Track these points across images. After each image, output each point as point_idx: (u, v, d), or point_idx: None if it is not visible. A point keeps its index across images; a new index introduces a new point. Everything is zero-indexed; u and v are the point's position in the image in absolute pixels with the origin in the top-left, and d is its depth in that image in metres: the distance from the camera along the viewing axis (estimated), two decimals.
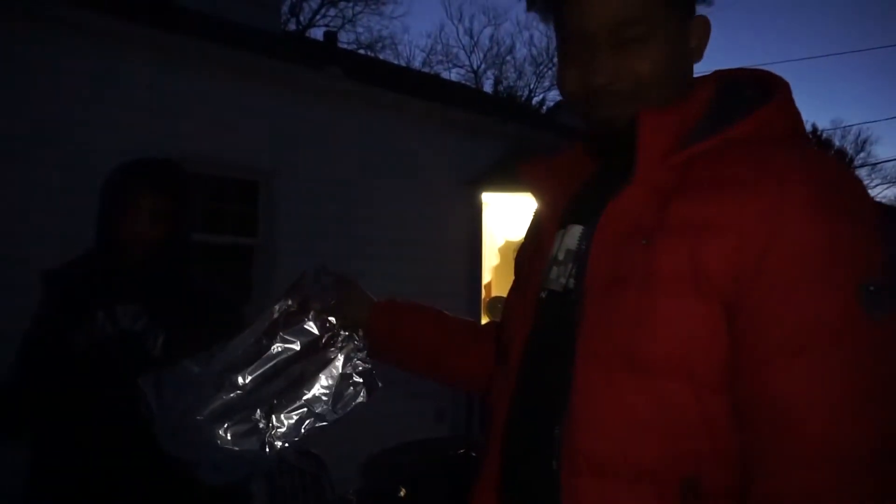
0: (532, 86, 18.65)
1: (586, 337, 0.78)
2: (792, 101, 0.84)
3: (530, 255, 0.97)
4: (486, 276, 5.54)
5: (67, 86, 3.57)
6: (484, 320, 5.30)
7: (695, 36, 0.86)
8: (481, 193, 5.36)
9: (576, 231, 0.87)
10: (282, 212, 4.37)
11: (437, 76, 13.89)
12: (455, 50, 26.87)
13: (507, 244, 5.77)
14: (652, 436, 0.74)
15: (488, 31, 32.95)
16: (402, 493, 2.17)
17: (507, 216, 5.72)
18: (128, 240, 1.52)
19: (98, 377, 1.50)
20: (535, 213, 1.00)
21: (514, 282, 1.05)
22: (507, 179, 5.35)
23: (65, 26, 3.58)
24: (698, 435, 0.74)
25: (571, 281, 0.84)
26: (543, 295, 0.89)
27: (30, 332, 1.59)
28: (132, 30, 3.83)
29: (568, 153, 0.98)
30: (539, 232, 0.95)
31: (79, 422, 1.48)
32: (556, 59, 0.91)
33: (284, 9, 13.13)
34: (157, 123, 3.74)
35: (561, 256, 0.88)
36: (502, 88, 17.69)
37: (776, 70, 0.88)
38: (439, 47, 29.47)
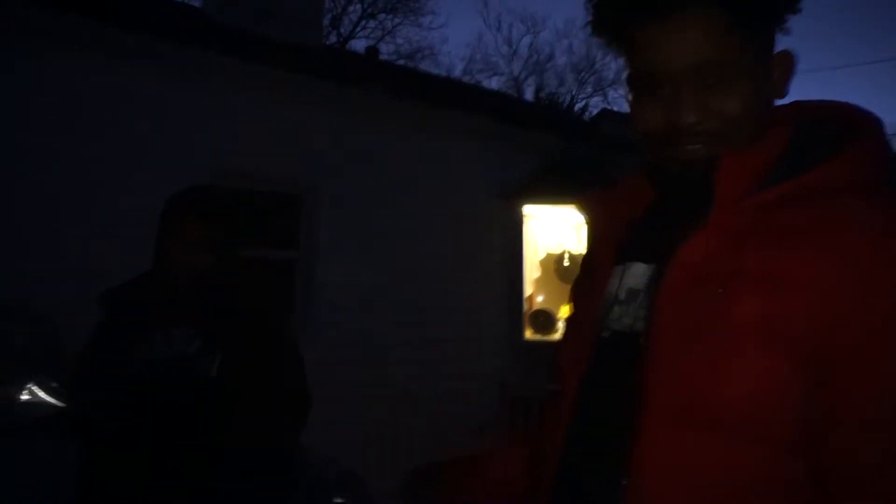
0: (574, 92, 18.61)
1: (654, 386, 0.76)
2: (881, 142, 0.80)
3: (586, 289, 0.93)
4: (528, 289, 5.54)
5: (113, 106, 3.74)
6: (527, 333, 5.34)
7: (777, 71, 0.82)
8: (523, 206, 5.37)
9: (638, 270, 0.85)
10: (322, 226, 4.47)
11: (477, 86, 13.97)
12: (494, 59, 26.95)
13: (549, 256, 5.77)
14: (723, 496, 0.71)
15: (527, 39, 32.99)
16: None
17: (548, 228, 5.73)
18: (177, 266, 1.62)
19: (152, 398, 1.59)
20: (590, 244, 0.98)
21: (571, 315, 1.02)
22: (548, 191, 5.36)
23: (112, 49, 3.76)
24: (771, 498, 0.71)
25: (639, 323, 0.81)
26: (605, 335, 0.85)
27: (88, 350, 1.68)
28: (175, 50, 4.00)
29: (625, 183, 0.95)
30: (595, 266, 0.92)
31: (130, 441, 1.57)
32: (599, 71, 0.89)
33: (325, 22, 13.45)
34: (199, 140, 3.89)
35: (622, 296, 0.85)
36: (544, 95, 17.68)
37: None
38: (479, 56, 29.63)
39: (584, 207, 0.95)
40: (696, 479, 0.73)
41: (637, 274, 0.85)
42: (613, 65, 17.83)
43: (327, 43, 12.48)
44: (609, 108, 16.05)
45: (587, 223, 0.95)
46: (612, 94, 18.57)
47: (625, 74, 0.87)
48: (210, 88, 4.07)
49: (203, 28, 4.82)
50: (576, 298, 1.00)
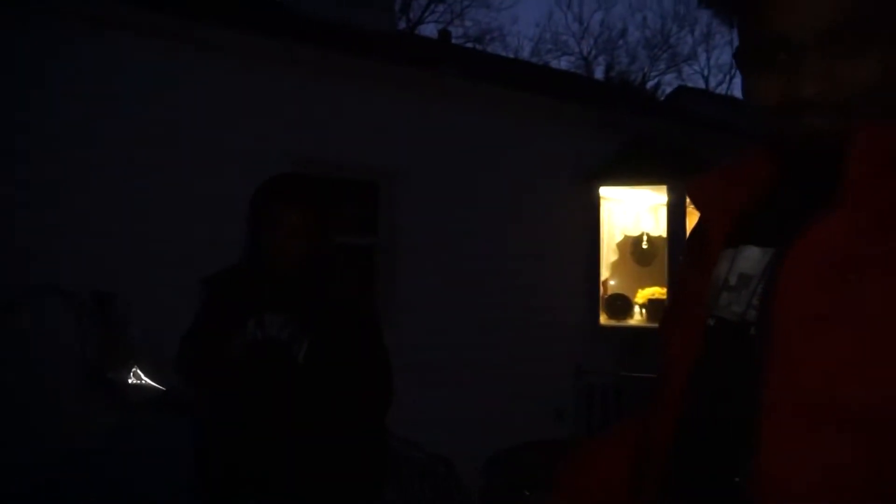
0: (646, 69, 18.09)
1: (778, 380, 0.70)
2: None
3: (692, 273, 0.87)
4: (605, 273, 5.50)
5: (198, 96, 3.94)
6: (602, 319, 5.31)
7: None
8: (599, 188, 5.33)
9: (752, 253, 0.78)
10: (401, 211, 4.58)
11: (547, 66, 13.79)
12: (564, 37, 26.44)
13: (626, 239, 5.69)
14: (856, 498, 0.66)
15: (598, 15, 32.16)
16: (527, 494, 2.24)
17: (625, 210, 5.65)
18: (271, 253, 1.70)
19: (248, 380, 1.70)
20: (698, 226, 0.92)
21: (674, 300, 0.97)
22: (625, 172, 5.28)
23: (192, 42, 3.95)
24: None
25: (752, 312, 0.75)
26: (711, 322, 0.80)
27: (190, 334, 1.81)
28: (256, 41, 4.16)
29: (739, 161, 0.88)
30: (703, 249, 0.86)
31: (231, 419, 1.69)
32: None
33: (396, 7, 13.53)
34: (279, 128, 4.04)
35: (733, 281, 0.79)
36: (614, 74, 17.28)
37: None
38: (548, 35, 29.14)
39: (692, 187, 0.90)
40: (824, 480, 0.67)
41: (751, 258, 0.78)
42: (689, 38, 17.16)
43: (398, 29, 12.57)
44: (686, 84, 15.53)
45: (694, 204, 0.89)
46: (686, 69, 17.95)
47: (735, 46, 0.79)
48: (289, 77, 4.22)
49: (282, 18, 4.98)
50: (679, 283, 0.95)
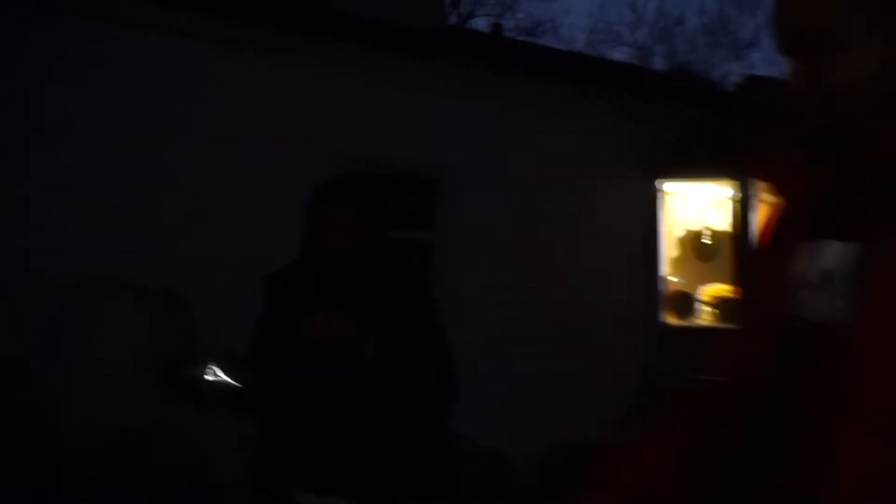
0: (708, 59, 17.52)
1: (870, 390, 0.66)
2: None
3: (766, 269, 0.84)
4: (666, 270, 5.34)
5: (252, 99, 4.00)
6: (665, 317, 5.16)
7: None
8: (659, 182, 5.18)
9: (833, 249, 0.74)
10: (457, 208, 4.56)
11: (602, 58, 13.53)
12: (618, 27, 25.89)
13: (688, 234, 5.52)
14: None
15: (654, 2, 31.30)
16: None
17: (688, 205, 5.48)
18: (331, 250, 1.71)
19: (313, 378, 1.71)
20: (773, 217, 0.88)
21: (745, 299, 0.94)
22: (688, 165, 5.13)
23: (241, 43, 4.02)
24: None
25: (839, 313, 0.71)
26: (792, 324, 0.76)
27: (257, 333, 1.83)
28: (304, 41, 4.21)
29: (812, 151, 0.83)
30: (778, 242, 0.83)
31: (297, 416, 1.70)
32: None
33: (446, 2, 13.53)
34: (332, 127, 4.08)
35: (814, 279, 0.75)
36: (674, 64, 16.80)
37: None
38: (601, 26, 28.62)
39: (765, 171, 0.88)
40: None
41: (833, 254, 0.73)
42: (750, 23, 16.48)
43: (449, 24, 12.56)
44: (751, 73, 14.96)
45: (771, 191, 0.86)
46: (753, 57, 17.32)
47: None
48: (343, 77, 4.25)
49: (333, 18, 5.02)
50: (751, 281, 0.91)
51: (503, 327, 4.61)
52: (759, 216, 5.37)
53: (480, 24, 15.71)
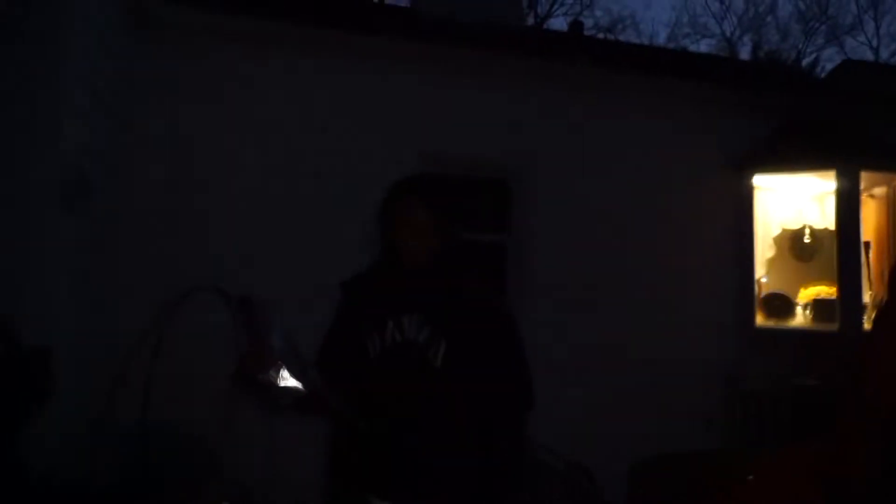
0: (801, 45, 16.57)
1: None
2: None
3: None
4: (760, 270, 5.05)
5: (330, 99, 4.07)
6: (758, 320, 4.88)
7: None
8: (751, 177, 4.90)
9: None
10: (532, 208, 4.47)
11: (685, 51, 13.05)
12: (703, 19, 24.86)
13: (785, 233, 5.20)
14: None
15: None
16: None
17: (784, 200, 5.16)
18: (402, 253, 1.70)
19: (386, 383, 1.69)
20: None
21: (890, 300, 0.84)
22: (783, 158, 4.83)
23: (323, 46, 4.10)
24: None
25: None
26: None
27: (330, 337, 1.82)
28: (380, 42, 4.24)
29: None
30: None
31: (369, 423, 1.68)
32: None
33: (523, 3, 13.41)
34: (408, 127, 4.09)
35: None
36: (763, 54, 15.98)
37: None
38: (685, 19, 27.54)
39: None
40: None
41: None
42: (852, 6, 15.43)
43: (526, 24, 12.45)
44: (850, 58, 14.01)
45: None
46: (850, 42, 16.23)
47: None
48: (418, 77, 4.26)
49: (410, 19, 5.06)
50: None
51: (581, 331, 4.49)
52: (868, 209, 5.00)
53: (559, 23, 15.52)
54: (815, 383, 3.97)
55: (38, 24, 2.29)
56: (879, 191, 5.06)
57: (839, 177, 4.69)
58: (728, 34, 17.19)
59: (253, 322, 1.64)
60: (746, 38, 17.02)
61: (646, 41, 15.85)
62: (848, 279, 4.63)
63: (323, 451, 1.79)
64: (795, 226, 5.14)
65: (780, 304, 4.98)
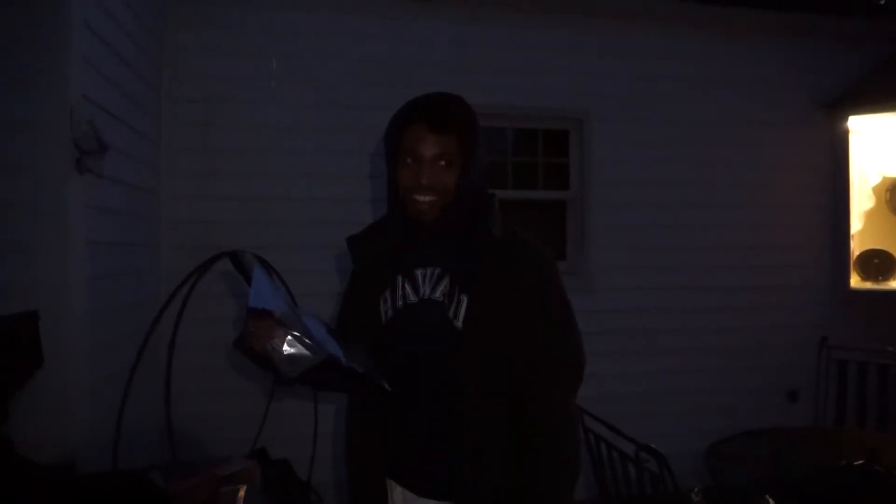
0: None
1: None
2: None
3: None
4: (856, 224, 4.62)
5: (376, 49, 3.84)
6: (853, 280, 4.48)
7: None
8: (846, 118, 4.45)
9: None
10: (594, 161, 4.17)
11: None
12: None
13: (885, 182, 4.74)
14: None
15: None
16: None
17: (882, 145, 4.69)
18: (413, 189, 1.42)
19: (398, 349, 1.48)
20: None
21: None
22: (885, 96, 4.35)
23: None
24: None
25: None
26: None
27: (344, 300, 1.63)
28: None
29: None
30: None
31: (385, 386, 1.46)
32: None
33: None
34: (458, 77, 3.82)
35: None
36: None
37: None
38: None
39: None
40: None
41: None
42: None
43: None
44: None
45: None
46: None
47: None
48: (464, 23, 3.98)
49: None
50: None
51: (649, 293, 4.20)
52: None
53: None
54: None
55: None
56: None
57: None
58: None
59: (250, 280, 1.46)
60: None
61: None
62: None
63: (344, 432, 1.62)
64: None
65: (879, 263, 4.56)
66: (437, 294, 1.45)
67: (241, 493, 1.96)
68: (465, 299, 1.41)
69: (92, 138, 2.32)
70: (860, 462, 1.96)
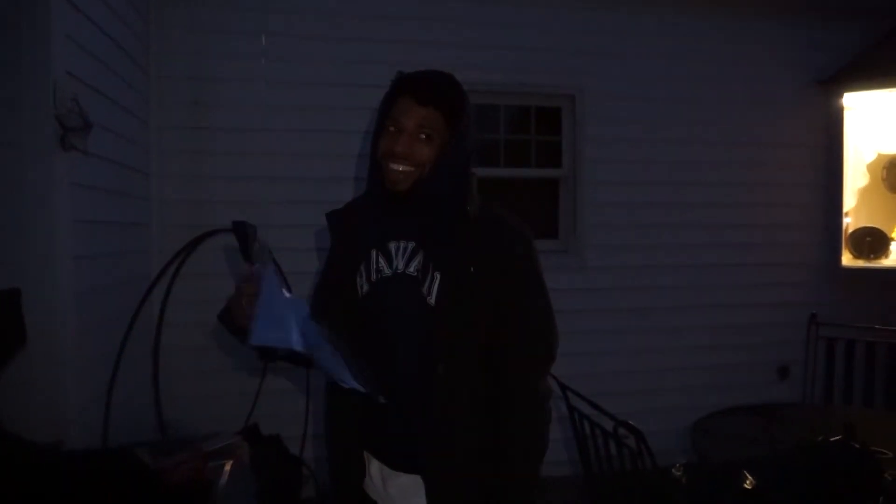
0: None
1: None
2: None
3: None
4: (850, 202, 4.62)
5: (367, 28, 3.81)
6: (845, 258, 4.49)
7: None
8: (841, 94, 4.43)
9: None
10: (587, 137, 4.15)
11: None
12: None
13: (880, 159, 4.73)
14: None
15: None
16: (747, 484, 1.84)
17: (878, 122, 4.67)
18: (388, 158, 1.42)
19: (370, 326, 1.48)
20: None
21: None
22: (881, 71, 4.33)
23: None
24: None
25: None
26: None
27: (321, 276, 1.64)
28: None
29: None
30: None
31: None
32: None
33: None
34: (451, 54, 3.79)
35: None
36: None
37: None
38: None
39: None
40: None
41: None
42: None
43: None
44: None
45: None
46: None
47: None
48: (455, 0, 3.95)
49: None
50: None
51: (641, 271, 4.21)
52: None
53: None
54: None
55: None
56: None
57: None
58: None
59: (246, 250, 1.46)
60: None
61: None
62: None
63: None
64: (893, 151, 4.66)
65: (872, 241, 4.57)
66: (411, 269, 1.46)
67: (227, 467, 1.98)
68: (438, 276, 1.42)
69: (76, 115, 2.31)
70: (837, 438, 1.98)
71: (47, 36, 2.23)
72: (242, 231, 1.45)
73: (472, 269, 1.40)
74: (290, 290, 1.43)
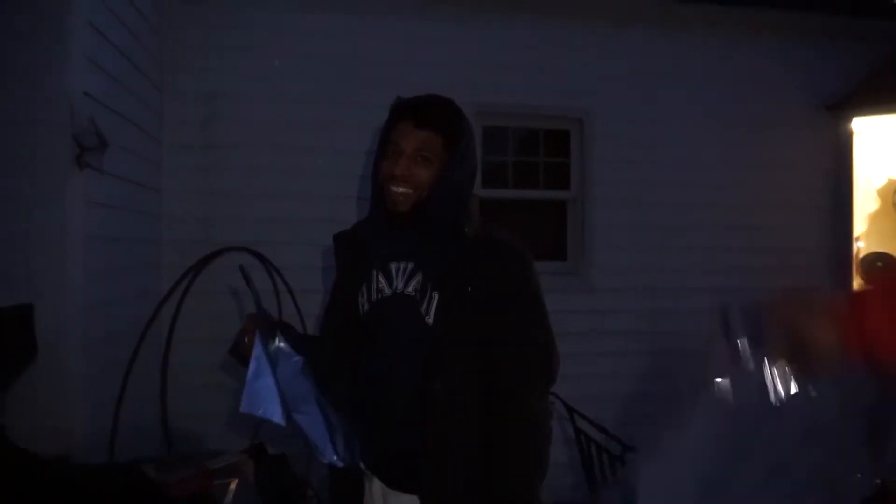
0: None
1: None
2: None
3: None
4: (859, 227, 4.62)
5: (375, 48, 3.87)
6: (856, 283, 4.48)
7: None
8: (850, 119, 4.44)
9: None
10: (595, 161, 4.19)
11: None
12: None
13: (891, 183, 4.74)
14: None
15: None
16: None
17: (888, 147, 4.68)
18: (388, 181, 1.45)
19: (372, 344, 1.50)
20: None
21: None
22: (888, 96, 4.35)
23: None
24: None
25: None
26: None
27: (330, 298, 1.66)
28: None
29: None
30: None
31: (361, 381, 1.51)
32: None
33: None
34: (458, 77, 3.84)
35: None
36: None
37: None
38: None
39: None
40: None
41: None
42: None
43: None
44: None
45: None
46: None
47: None
48: (464, 21, 4.00)
49: None
50: None
51: (648, 295, 4.21)
52: None
53: None
54: None
55: None
56: None
57: None
58: None
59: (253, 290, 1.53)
60: None
61: None
62: None
63: None
64: None
65: (884, 266, 4.56)
66: (410, 289, 1.49)
67: (233, 485, 2.00)
68: (436, 296, 1.45)
69: (92, 134, 2.36)
70: None
71: (68, 58, 2.29)
72: (246, 274, 1.54)
73: (469, 288, 1.43)
74: (298, 308, 1.47)
